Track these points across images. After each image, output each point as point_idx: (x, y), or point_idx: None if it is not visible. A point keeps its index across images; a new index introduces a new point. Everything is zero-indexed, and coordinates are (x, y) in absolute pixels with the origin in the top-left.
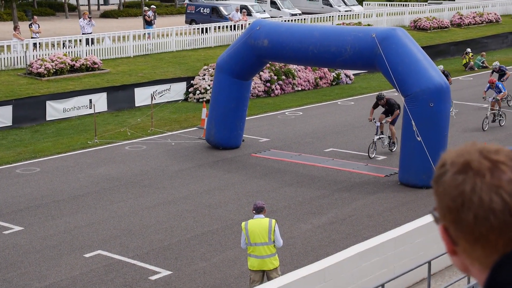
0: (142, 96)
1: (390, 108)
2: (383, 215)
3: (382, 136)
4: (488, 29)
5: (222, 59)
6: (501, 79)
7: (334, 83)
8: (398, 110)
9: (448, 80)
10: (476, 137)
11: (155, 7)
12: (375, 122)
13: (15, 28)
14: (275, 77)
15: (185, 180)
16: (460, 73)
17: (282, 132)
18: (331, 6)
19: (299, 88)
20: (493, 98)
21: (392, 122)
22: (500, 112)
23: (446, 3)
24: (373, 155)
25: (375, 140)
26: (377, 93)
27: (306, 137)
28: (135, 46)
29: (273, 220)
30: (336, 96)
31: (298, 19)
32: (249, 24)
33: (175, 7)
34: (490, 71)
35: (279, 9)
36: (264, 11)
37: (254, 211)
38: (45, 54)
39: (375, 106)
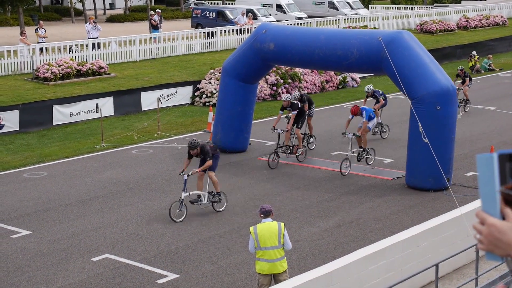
0: (148, 100)
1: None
2: (390, 218)
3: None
4: (494, 32)
5: (228, 62)
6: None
7: (340, 87)
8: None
9: (465, 81)
10: (482, 140)
11: (160, 11)
12: (348, 135)
13: (22, 33)
14: (281, 81)
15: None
16: None
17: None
18: (337, 9)
19: (306, 92)
20: (353, 135)
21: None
22: (366, 151)
23: (453, 6)
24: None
25: (348, 155)
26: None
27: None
28: (141, 51)
29: (282, 224)
30: (342, 100)
31: (304, 23)
32: (255, 27)
33: (181, 11)
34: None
35: (285, 12)
36: (270, 14)
37: (262, 215)
38: (52, 59)
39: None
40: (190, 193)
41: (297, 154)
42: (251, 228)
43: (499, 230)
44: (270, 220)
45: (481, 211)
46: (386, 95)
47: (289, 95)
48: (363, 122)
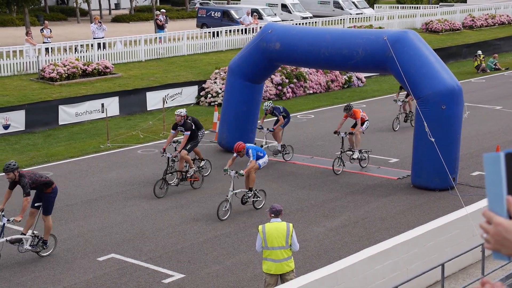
0: (154, 100)
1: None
2: (396, 218)
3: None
4: (500, 31)
5: (233, 62)
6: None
7: (345, 86)
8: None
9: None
10: (488, 140)
11: (164, 11)
12: (339, 134)
13: (27, 33)
14: (287, 80)
15: (198, 183)
16: (473, 75)
17: (294, 135)
18: (342, 9)
19: (311, 91)
20: (346, 134)
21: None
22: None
23: (458, 5)
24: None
25: (339, 155)
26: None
27: (318, 140)
28: (146, 50)
29: (291, 224)
30: (347, 99)
31: (309, 22)
32: (260, 27)
33: (186, 11)
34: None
35: (290, 12)
36: (275, 14)
37: (272, 214)
38: (57, 59)
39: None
40: (9, 238)
41: (191, 180)
42: (260, 227)
43: (506, 229)
44: (279, 220)
45: (488, 210)
46: (287, 112)
47: (182, 110)
48: (250, 161)
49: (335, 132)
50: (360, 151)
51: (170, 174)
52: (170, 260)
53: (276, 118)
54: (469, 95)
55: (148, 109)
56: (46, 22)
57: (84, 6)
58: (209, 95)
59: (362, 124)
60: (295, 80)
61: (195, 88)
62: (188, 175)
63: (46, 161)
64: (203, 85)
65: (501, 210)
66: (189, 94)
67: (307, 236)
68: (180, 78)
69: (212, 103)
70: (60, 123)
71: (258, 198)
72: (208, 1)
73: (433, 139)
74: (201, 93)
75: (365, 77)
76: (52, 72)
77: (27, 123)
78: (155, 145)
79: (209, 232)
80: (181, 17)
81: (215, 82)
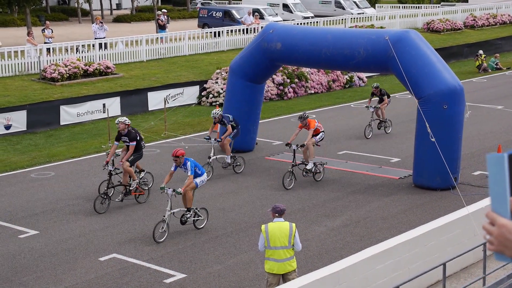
0: (155, 100)
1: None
2: (397, 217)
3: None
4: (501, 31)
5: (235, 62)
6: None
7: (347, 86)
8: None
9: (383, 100)
10: (490, 139)
11: (166, 11)
12: (291, 147)
13: (29, 33)
14: (288, 80)
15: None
16: (474, 75)
17: None
18: (343, 9)
19: (312, 91)
20: (298, 146)
21: (303, 145)
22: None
23: (459, 4)
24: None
25: (292, 168)
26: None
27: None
28: (148, 50)
29: (294, 224)
30: (349, 99)
31: (310, 22)
32: (261, 27)
33: (188, 11)
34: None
35: (291, 12)
36: (277, 14)
37: (276, 214)
38: (59, 59)
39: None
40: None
41: (136, 194)
42: (263, 227)
43: (510, 231)
44: (282, 219)
45: (491, 212)
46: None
47: (126, 118)
48: (188, 177)
49: (287, 145)
50: (314, 164)
51: (111, 189)
52: (171, 260)
53: (225, 126)
54: (471, 95)
55: (149, 109)
56: (48, 22)
57: (86, 6)
58: (211, 95)
59: (316, 135)
60: (296, 80)
61: (196, 88)
62: (131, 189)
63: (48, 161)
64: (205, 85)
65: (505, 211)
66: (190, 94)
67: (309, 235)
68: (182, 78)
69: (214, 103)
70: (62, 123)
71: (199, 217)
72: (210, 1)
73: (433, 139)
74: (202, 93)
75: (366, 77)
76: (54, 72)
77: (29, 123)
78: (156, 145)
79: (210, 232)
80: (182, 17)
81: (217, 82)
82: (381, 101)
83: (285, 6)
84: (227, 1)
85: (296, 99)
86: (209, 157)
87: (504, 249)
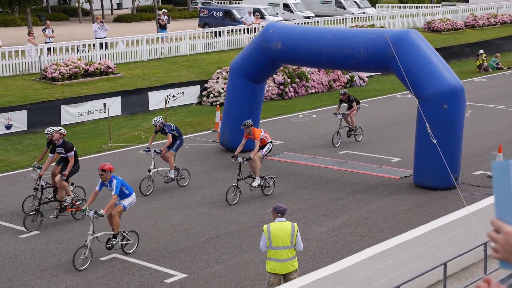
0: (156, 100)
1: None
2: (398, 217)
3: None
4: (502, 30)
5: (235, 62)
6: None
7: (348, 86)
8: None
9: (353, 106)
10: (490, 139)
11: (166, 11)
12: (237, 159)
13: (29, 33)
14: (289, 80)
15: (200, 183)
16: (475, 74)
17: (296, 134)
18: (344, 8)
19: (313, 91)
20: (244, 159)
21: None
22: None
23: (460, 4)
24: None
25: (237, 183)
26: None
27: (320, 140)
28: (148, 50)
29: (295, 224)
30: None
31: (311, 22)
32: (262, 27)
33: (188, 11)
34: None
35: (292, 12)
36: (277, 14)
37: (279, 214)
38: (59, 59)
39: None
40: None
41: (72, 211)
42: (265, 227)
43: None
44: (284, 219)
45: (496, 219)
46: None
47: (61, 127)
48: (112, 197)
49: (233, 157)
50: (262, 178)
51: (44, 205)
52: (172, 259)
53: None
54: (471, 95)
55: (150, 109)
56: (48, 22)
57: (86, 6)
58: (211, 95)
59: (263, 147)
60: (297, 80)
61: (197, 88)
62: (66, 205)
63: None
64: (205, 85)
65: (510, 218)
66: (191, 94)
67: (309, 235)
68: (182, 78)
69: (214, 103)
70: (62, 123)
71: (128, 241)
72: (210, 1)
73: (435, 141)
74: (203, 93)
75: (367, 76)
76: (54, 72)
77: (29, 123)
78: (157, 145)
79: (211, 232)
80: (183, 17)
81: (217, 82)
82: (350, 107)
83: (286, 6)
84: (228, 1)
85: (297, 98)
86: (149, 170)
87: (509, 257)
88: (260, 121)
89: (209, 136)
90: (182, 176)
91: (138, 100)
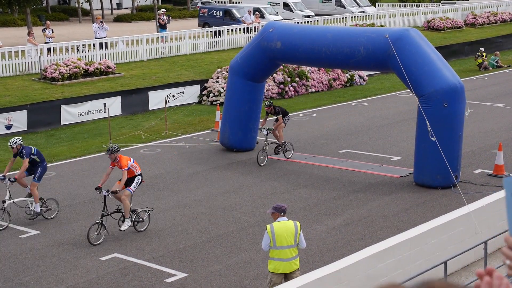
0: (156, 100)
1: None
2: (399, 216)
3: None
4: (502, 29)
5: (235, 61)
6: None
7: (347, 84)
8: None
9: (278, 119)
10: (491, 137)
11: (165, 10)
12: (101, 192)
13: (29, 33)
14: (289, 79)
15: (200, 183)
16: (475, 73)
17: (296, 133)
18: (344, 7)
19: (313, 90)
20: (108, 192)
21: None
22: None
23: (460, 3)
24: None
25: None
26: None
27: (320, 139)
28: (148, 50)
29: (298, 223)
30: (350, 98)
31: (311, 21)
32: (262, 26)
33: (188, 10)
34: None
35: (292, 11)
36: (277, 13)
37: (282, 214)
38: (59, 59)
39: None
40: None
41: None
42: (268, 227)
43: None
44: (285, 218)
45: (510, 236)
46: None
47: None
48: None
49: (97, 189)
50: (134, 212)
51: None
52: (172, 259)
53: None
54: (471, 93)
55: (150, 108)
56: (48, 22)
57: (86, 6)
58: (211, 94)
59: (131, 180)
60: (297, 79)
61: (197, 88)
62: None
63: (49, 161)
64: (205, 84)
65: None
66: (191, 94)
67: (310, 234)
68: (182, 77)
69: (214, 102)
70: (63, 123)
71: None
72: (210, 0)
73: (434, 139)
74: (203, 92)
75: (367, 75)
76: (54, 72)
77: (29, 123)
78: (157, 144)
79: (211, 231)
80: (182, 16)
81: (217, 81)
82: (277, 120)
83: (286, 5)
84: (228, 0)
85: (297, 97)
86: (4, 202)
87: None
88: (260, 120)
89: (209, 135)
90: (48, 207)
91: (138, 100)
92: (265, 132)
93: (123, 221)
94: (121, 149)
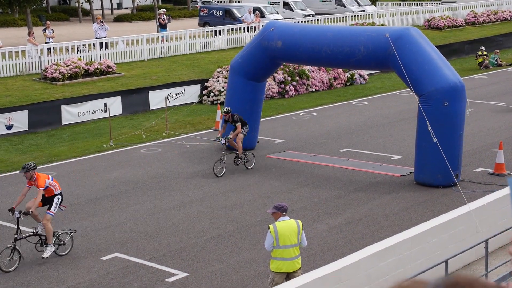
0: (156, 99)
1: None
2: (399, 215)
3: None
4: (502, 27)
5: (235, 61)
6: None
7: (348, 84)
8: None
9: (237, 128)
10: (491, 136)
11: (165, 10)
12: (14, 213)
13: (30, 33)
14: (289, 78)
15: (201, 182)
16: (475, 71)
17: (296, 133)
18: (344, 6)
19: (313, 89)
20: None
21: None
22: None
23: (460, 1)
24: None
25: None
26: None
27: (321, 138)
28: (148, 50)
29: (300, 221)
30: (350, 97)
31: (311, 20)
32: (262, 25)
33: (188, 10)
34: None
35: (292, 10)
36: (277, 12)
37: (284, 213)
38: (60, 59)
39: None
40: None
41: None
42: (271, 226)
43: None
44: (287, 218)
45: None
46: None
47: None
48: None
49: (9, 210)
50: (54, 234)
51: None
52: (173, 258)
53: None
54: (472, 92)
55: (150, 108)
56: (48, 22)
57: (86, 6)
58: (212, 94)
59: (50, 200)
60: (297, 78)
61: (197, 87)
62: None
63: (49, 161)
64: (206, 84)
65: None
66: (191, 93)
67: (311, 234)
68: (183, 77)
69: (215, 102)
70: (63, 123)
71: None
72: (210, 0)
73: (435, 140)
74: (203, 92)
75: (367, 74)
76: (55, 72)
77: (30, 123)
78: (158, 144)
79: (212, 231)
80: (183, 16)
81: (218, 81)
82: (235, 129)
83: (286, 4)
84: (228, 0)
85: (297, 97)
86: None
87: None
88: (261, 120)
89: (209, 135)
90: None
91: (139, 100)
92: (223, 141)
93: (43, 246)
94: (125, 148)
